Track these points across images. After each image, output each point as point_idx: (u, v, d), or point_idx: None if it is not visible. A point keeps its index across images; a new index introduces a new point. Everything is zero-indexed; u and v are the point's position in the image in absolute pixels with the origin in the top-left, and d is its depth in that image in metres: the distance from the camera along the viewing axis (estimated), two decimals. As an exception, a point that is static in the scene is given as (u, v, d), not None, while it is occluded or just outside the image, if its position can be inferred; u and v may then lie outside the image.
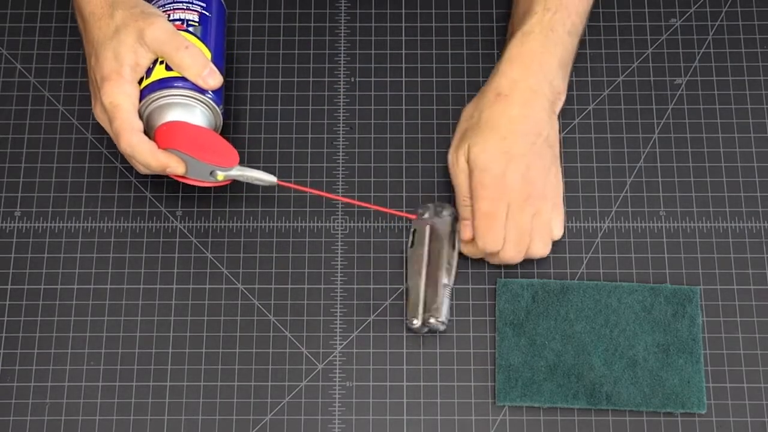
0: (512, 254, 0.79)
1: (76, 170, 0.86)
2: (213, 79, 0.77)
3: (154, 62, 0.77)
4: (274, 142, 0.86)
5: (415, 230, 0.81)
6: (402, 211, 0.82)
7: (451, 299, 0.81)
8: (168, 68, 0.77)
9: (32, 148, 0.86)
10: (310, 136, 0.87)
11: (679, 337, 0.80)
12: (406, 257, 0.82)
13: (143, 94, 0.77)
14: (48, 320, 0.81)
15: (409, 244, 0.81)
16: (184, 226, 0.84)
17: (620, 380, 0.79)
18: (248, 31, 0.90)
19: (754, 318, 0.81)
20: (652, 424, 0.79)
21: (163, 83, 0.77)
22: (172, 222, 0.84)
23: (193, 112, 0.78)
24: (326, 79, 0.89)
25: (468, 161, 0.78)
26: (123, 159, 0.85)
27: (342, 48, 0.90)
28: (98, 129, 0.87)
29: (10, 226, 0.84)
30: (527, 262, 0.82)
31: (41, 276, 0.83)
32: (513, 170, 0.77)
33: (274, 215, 0.85)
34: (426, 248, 0.81)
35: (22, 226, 0.84)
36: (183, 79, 0.77)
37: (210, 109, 0.79)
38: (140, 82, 0.77)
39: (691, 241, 0.84)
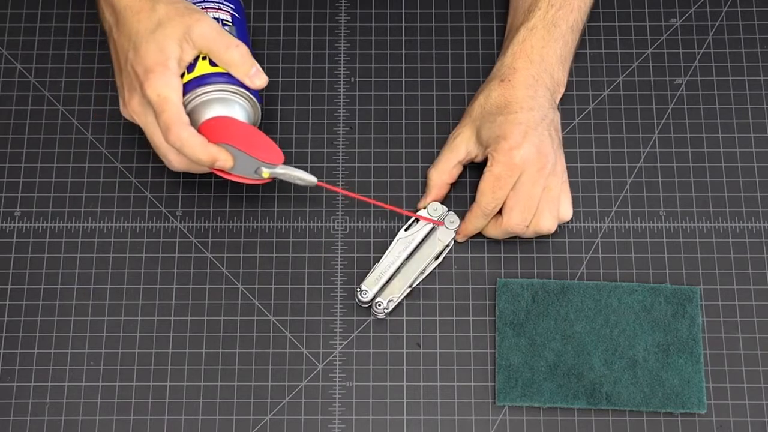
0: (517, 220, 0.79)
1: (76, 170, 0.86)
2: (259, 78, 0.77)
3: (196, 58, 0.77)
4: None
5: (418, 220, 0.82)
6: (434, 218, 0.82)
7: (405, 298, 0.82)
8: (212, 64, 0.77)
9: (32, 148, 0.86)
10: (310, 136, 0.87)
11: (679, 337, 0.80)
12: (396, 237, 0.81)
13: (187, 88, 0.76)
14: (48, 320, 0.81)
15: (404, 227, 0.81)
16: (184, 226, 0.84)
17: (620, 380, 0.79)
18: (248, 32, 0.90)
19: (754, 318, 0.81)
20: (652, 424, 0.79)
21: (209, 78, 0.76)
22: (172, 222, 0.84)
23: (236, 108, 0.77)
24: (326, 79, 0.89)
25: (482, 139, 0.80)
26: (123, 159, 0.86)
27: (342, 48, 0.90)
28: (98, 129, 0.87)
29: (10, 226, 0.84)
30: (527, 261, 0.82)
31: (41, 276, 0.83)
32: (529, 141, 0.78)
33: (274, 215, 0.85)
34: (418, 241, 0.81)
35: (22, 226, 0.84)
36: (227, 74, 0.77)
37: (252, 105, 0.78)
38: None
39: (691, 241, 0.84)
